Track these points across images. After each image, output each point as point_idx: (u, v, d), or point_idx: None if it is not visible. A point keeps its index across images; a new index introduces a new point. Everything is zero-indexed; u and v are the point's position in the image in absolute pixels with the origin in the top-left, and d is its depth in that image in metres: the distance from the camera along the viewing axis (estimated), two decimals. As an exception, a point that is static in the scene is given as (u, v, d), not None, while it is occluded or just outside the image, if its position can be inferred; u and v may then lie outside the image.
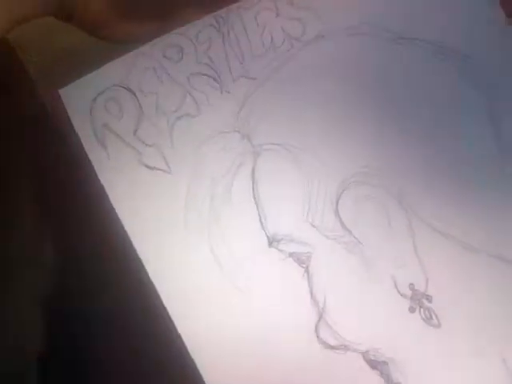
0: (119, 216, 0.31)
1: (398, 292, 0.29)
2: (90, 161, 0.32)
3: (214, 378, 0.29)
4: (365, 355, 0.28)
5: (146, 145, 0.32)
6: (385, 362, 0.28)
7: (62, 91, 0.32)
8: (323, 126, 0.32)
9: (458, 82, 0.32)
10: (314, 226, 0.31)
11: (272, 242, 0.31)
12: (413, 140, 0.32)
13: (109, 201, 0.31)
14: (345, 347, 0.29)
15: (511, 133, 0.31)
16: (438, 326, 0.29)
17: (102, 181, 0.31)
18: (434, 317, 0.29)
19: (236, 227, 0.31)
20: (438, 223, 0.30)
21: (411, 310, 0.29)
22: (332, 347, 0.29)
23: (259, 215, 0.31)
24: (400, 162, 0.32)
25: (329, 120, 0.32)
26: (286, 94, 0.33)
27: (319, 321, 0.29)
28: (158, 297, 0.29)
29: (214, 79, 0.33)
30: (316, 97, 0.33)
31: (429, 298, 0.29)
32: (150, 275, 0.30)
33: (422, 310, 0.29)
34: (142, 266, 0.30)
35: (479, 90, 0.32)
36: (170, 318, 0.29)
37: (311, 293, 0.30)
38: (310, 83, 0.33)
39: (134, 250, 0.31)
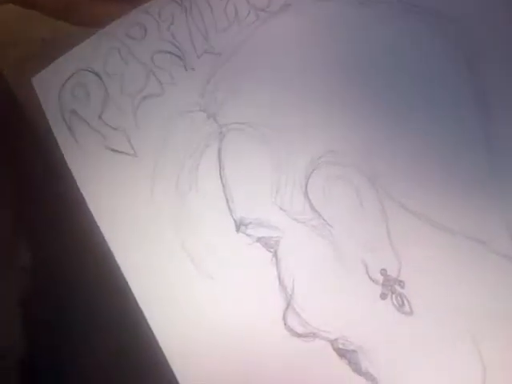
0: (88, 203, 0.30)
1: (369, 277, 0.28)
2: (60, 149, 0.31)
3: (185, 367, 0.28)
4: (333, 343, 0.27)
5: (112, 128, 0.32)
6: (354, 351, 0.27)
7: (34, 79, 0.32)
8: (291, 103, 0.31)
9: (438, 48, 0.30)
10: (282, 209, 0.30)
11: (240, 226, 0.30)
12: (388, 119, 0.30)
13: (78, 190, 0.30)
14: (313, 335, 0.28)
15: (502, 114, 0.28)
16: (411, 313, 0.27)
17: (72, 168, 0.31)
18: (406, 303, 0.28)
19: (203, 211, 0.30)
20: (412, 205, 0.29)
21: (383, 296, 0.28)
22: (299, 335, 0.28)
23: (226, 198, 0.30)
24: (373, 141, 0.30)
25: (297, 96, 0.30)
26: (253, 69, 0.31)
27: (287, 308, 0.28)
28: (125, 282, 0.29)
29: (178, 56, 0.32)
30: (284, 70, 0.31)
31: (401, 284, 0.28)
32: (119, 263, 0.29)
33: (393, 296, 0.28)
34: (113, 257, 0.29)
35: (465, 60, 0.30)
36: (142, 312, 0.28)
37: (279, 278, 0.29)
38: (278, 56, 0.31)
39: (104, 239, 0.30)
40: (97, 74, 0.34)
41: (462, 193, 0.30)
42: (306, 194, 0.31)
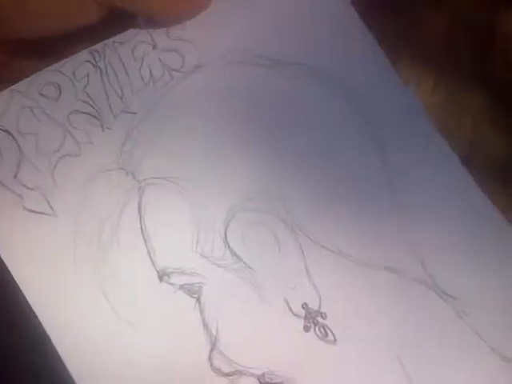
0: (7, 264, 0.39)
1: (292, 312, 0.38)
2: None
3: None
4: (260, 378, 0.36)
5: (28, 188, 0.40)
6: (281, 383, 0.36)
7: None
8: (206, 156, 0.41)
9: (336, 104, 0.43)
10: (203, 256, 0.39)
11: (162, 276, 0.39)
12: (299, 165, 0.41)
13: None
14: (239, 373, 0.36)
15: (394, 154, 0.41)
16: (334, 341, 0.37)
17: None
18: (329, 333, 0.37)
19: (126, 265, 0.39)
20: (328, 243, 0.39)
21: (306, 328, 0.38)
22: (226, 374, 0.36)
23: (148, 251, 0.39)
24: (286, 186, 0.40)
25: (212, 149, 0.42)
26: (168, 126, 0.42)
27: (212, 350, 0.37)
28: (48, 339, 0.37)
29: (94, 116, 0.41)
30: (197, 127, 0.42)
31: (323, 315, 0.38)
32: (40, 319, 0.36)
33: (316, 327, 0.38)
34: (33, 312, 0.37)
35: (358, 112, 0.43)
36: (59, 357, 0.36)
37: (203, 323, 0.38)
38: (191, 113, 0.42)
39: (24, 297, 0.37)
40: (8, 132, 0.40)
41: (371, 227, 0.41)
42: (225, 240, 0.41)
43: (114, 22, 0.40)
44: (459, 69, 0.68)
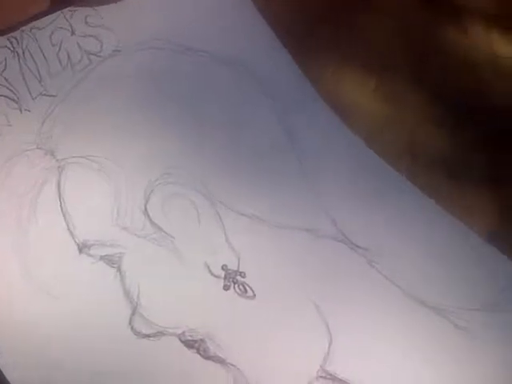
0: None
1: (212, 274, 0.41)
2: None
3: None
4: (181, 337, 0.39)
5: None
6: (202, 340, 0.39)
7: None
8: (124, 135, 0.43)
9: (242, 85, 0.47)
10: (123, 228, 0.42)
11: (82, 248, 0.42)
12: (213, 140, 0.44)
13: None
14: (160, 333, 0.39)
15: (303, 127, 0.45)
16: (253, 297, 0.40)
17: None
18: (248, 289, 0.41)
19: (45, 240, 0.40)
20: (244, 210, 0.41)
21: (225, 287, 0.41)
22: (147, 335, 0.39)
23: (67, 226, 0.41)
24: (202, 160, 0.43)
25: (129, 128, 0.45)
26: (86, 107, 0.45)
27: (133, 314, 0.39)
28: None
29: (13, 99, 0.43)
30: (115, 108, 0.45)
31: (242, 274, 0.41)
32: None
33: (236, 285, 0.41)
34: None
35: (265, 93, 0.47)
36: None
37: (124, 290, 0.40)
38: (108, 95, 0.46)
39: None
40: None
41: (282, 193, 0.43)
42: (145, 212, 0.44)
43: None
44: (399, 72, 0.75)
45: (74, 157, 0.42)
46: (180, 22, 0.47)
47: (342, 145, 0.44)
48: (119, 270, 0.40)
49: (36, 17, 0.44)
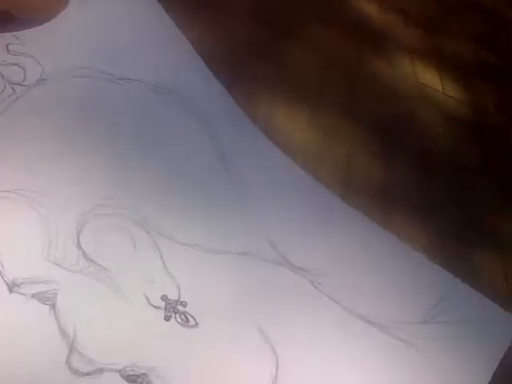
0: None
1: (152, 305, 0.42)
2: None
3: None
4: (121, 372, 0.39)
5: None
6: (144, 374, 0.39)
7: None
8: (52, 165, 0.43)
9: (173, 112, 0.49)
10: (56, 263, 0.42)
11: (12, 287, 0.42)
12: (144, 167, 0.44)
13: None
14: (100, 370, 0.39)
15: (231, 152, 0.47)
16: (196, 325, 0.41)
17: None
18: (190, 319, 0.42)
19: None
20: (179, 236, 0.42)
21: (167, 318, 0.40)
22: (86, 374, 0.38)
23: None
24: (134, 189, 0.43)
25: (57, 158, 0.45)
26: (13, 138, 0.43)
27: (70, 352, 0.39)
28: None
29: None
30: (43, 138, 0.44)
31: (183, 303, 0.42)
32: None
33: (177, 315, 0.42)
34: None
35: (194, 117, 0.49)
36: None
37: (59, 327, 0.40)
38: (35, 125, 0.45)
39: None
40: None
41: (219, 219, 0.44)
42: (78, 245, 0.44)
43: None
44: (331, 102, 0.79)
45: (2, 191, 0.41)
46: (111, 52, 0.48)
47: (279, 172, 0.45)
48: (53, 307, 0.39)
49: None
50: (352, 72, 0.85)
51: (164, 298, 0.39)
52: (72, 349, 0.37)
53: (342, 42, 0.89)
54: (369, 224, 0.45)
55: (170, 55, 0.47)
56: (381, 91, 0.86)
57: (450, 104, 0.94)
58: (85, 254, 0.40)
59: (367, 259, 0.43)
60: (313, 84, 0.75)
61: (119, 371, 0.36)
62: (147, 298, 0.39)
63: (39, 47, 0.44)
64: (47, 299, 0.39)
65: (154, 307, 0.39)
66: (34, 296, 0.39)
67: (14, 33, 0.45)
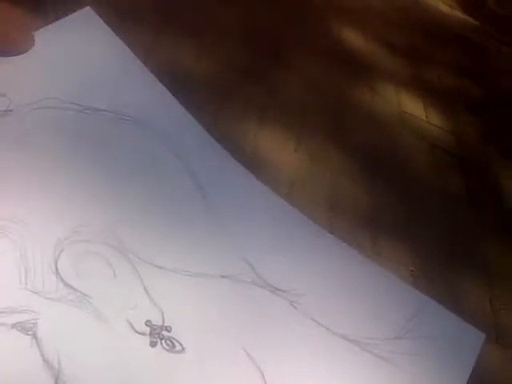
0: None
1: (136, 331, 0.44)
2: None
3: None
4: None
5: None
6: None
7: None
8: (26, 195, 0.43)
9: (142, 139, 0.52)
10: (35, 292, 0.43)
11: None
12: (121, 194, 0.45)
13: None
14: None
15: (207, 181, 0.50)
16: (182, 350, 0.44)
17: None
18: (176, 344, 0.45)
19: None
20: (159, 261, 0.43)
21: (152, 344, 0.43)
22: None
23: None
24: (111, 215, 0.44)
25: (31, 187, 0.44)
26: None
27: (56, 383, 0.43)
28: None
29: None
30: (11, 167, 0.44)
31: (168, 328, 0.44)
32: None
33: (163, 341, 0.45)
34: None
35: (164, 144, 0.52)
36: None
37: (43, 358, 0.41)
38: (3, 156, 0.45)
39: None
40: None
41: (198, 243, 0.45)
42: (56, 273, 0.45)
43: None
44: (318, 129, 0.83)
45: None
46: (77, 84, 0.50)
47: (256, 199, 0.49)
48: (35, 337, 0.39)
49: None
50: (338, 99, 0.90)
51: (148, 323, 0.40)
52: (58, 379, 0.38)
53: (329, 70, 0.95)
54: (348, 248, 0.49)
55: (135, 87, 0.50)
56: (365, 119, 0.91)
57: (434, 132, 0.99)
58: (64, 282, 0.41)
59: (343, 280, 0.47)
60: (299, 110, 0.79)
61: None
62: (131, 325, 0.40)
63: (6, 79, 0.46)
64: (28, 329, 0.40)
65: (139, 333, 0.40)
66: (13, 326, 0.39)
67: None
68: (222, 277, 0.44)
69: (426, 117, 1.00)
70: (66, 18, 0.53)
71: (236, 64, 0.74)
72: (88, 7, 0.54)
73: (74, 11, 0.53)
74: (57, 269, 0.42)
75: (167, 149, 0.49)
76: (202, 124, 0.50)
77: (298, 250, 0.47)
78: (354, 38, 1.08)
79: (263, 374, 0.40)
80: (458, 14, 1.45)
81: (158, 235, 0.45)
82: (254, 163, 0.49)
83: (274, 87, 0.74)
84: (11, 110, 0.47)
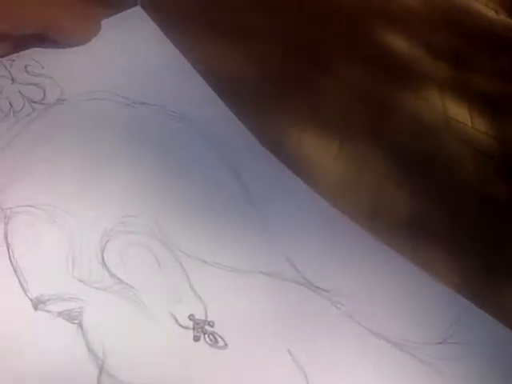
0: None
1: (180, 325, 0.44)
2: None
3: None
4: None
5: None
6: None
7: None
8: (75, 183, 0.43)
9: (187, 136, 0.52)
10: (81, 280, 0.44)
11: (37, 304, 0.41)
12: (166, 186, 0.46)
13: None
14: None
15: (252, 183, 0.49)
16: (226, 346, 0.44)
17: None
18: (219, 339, 0.46)
19: (-4, 297, 0.36)
20: (202, 255, 0.44)
21: (196, 338, 0.43)
22: None
23: (19, 280, 0.40)
24: (157, 207, 0.44)
25: (80, 176, 0.44)
26: (31, 155, 0.43)
27: (100, 373, 0.40)
28: None
29: None
30: (61, 156, 0.44)
31: (211, 323, 0.44)
32: None
33: (206, 336, 0.45)
34: None
35: (209, 143, 0.52)
36: None
37: (88, 347, 0.42)
38: (55, 142, 0.44)
39: None
40: None
41: (240, 238, 0.46)
42: (103, 263, 0.46)
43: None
44: (360, 134, 0.84)
45: (20, 206, 0.43)
46: (128, 78, 0.52)
47: (302, 201, 0.50)
48: (81, 326, 0.40)
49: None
50: (381, 105, 0.90)
51: (192, 317, 0.41)
52: (102, 370, 0.39)
53: (371, 75, 0.95)
54: (391, 252, 0.48)
55: (181, 85, 0.52)
56: (410, 124, 0.91)
57: (479, 138, 0.99)
58: (110, 272, 0.42)
59: (386, 283, 0.47)
60: (342, 115, 0.80)
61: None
62: (175, 318, 0.41)
63: (58, 69, 0.47)
64: (74, 317, 0.40)
65: (183, 327, 0.41)
66: (60, 314, 0.40)
67: (32, 55, 0.48)
68: (265, 274, 0.44)
69: (472, 122, 0.99)
70: (118, 15, 0.55)
71: (278, 69, 0.74)
72: (138, 6, 0.56)
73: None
74: (103, 258, 0.43)
75: (212, 147, 0.50)
76: (246, 125, 0.50)
77: (342, 252, 0.48)
78: (396, 42, 1.07)
79: (306, 376, 0.41)
80: (504, 18, 1.44)
81: (202, 230, 0.46)
82: (295, 169, 0.50)
83: (317, 92, 0.75)
84: (64, 99, 0.49)
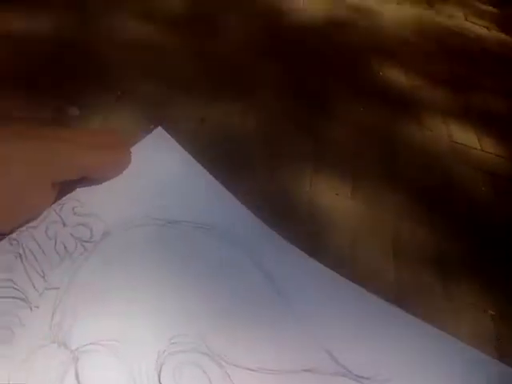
0: None
1: None
2: None
3: None
4: None
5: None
6: None
7: None
8: (127, 314, 0.48)
9: (217, 245, 0.57)
10: None
11: None
12: (209, 303, 0.51)
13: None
14: None
15: (279, 277, 0.54)
16: None
17: None
18: None
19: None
20: (249, 362, 0.47)
21: None
22: None
23: None
24: (203, 324, 0.49)
25: (131, 306, 0.49)
26: (88, 292, 0.48)
27: None
28: None
29: (21, 299, 0.49)
30: (115, 289, 0.49)
31: None
32: None
33: None
34: None
35: (240, 248, 0.58)
36: None
37: None
38: (107, 277, 0.50)
39: None
40: None
41: (280, 340, 0.50)
42: None
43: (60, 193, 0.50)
44: (371, 173, 0.90)
45: (85, 345, 0.48)
46: (156, 198, 0.57)
47: (328, 285, 0.51)
48: None
49: (32, 217, 0.51)
50: (387, 140, 0.95)
51: None
52: None
53: (374, 111, 1.00)
54: (426, 327, 0.48)
55: (207, 198, 0.56)
56: (417, 156, 0.96)
57: (490, 161, 1.04)
58: None
59: (426, 360, 0.47)
60: (350, 156, 0.86)
61: None
62: None
63: (99, 205, 0.52)
64: None
65: None
66: None
67: (76, 196, 0.52)
68: (305, 371, 0.47)
69: (480, 145, 1.04)
70: (143, 140, 0.58)
71: (285, 117, 0.81)
72: (160, 127, 0.58)
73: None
74: (160, 381, 0.47)
75: (242, 253, 0.53)
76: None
77: (376, 333, 0.48)
78: (395, 75, 1.13)
79: None
80: (496, 33, 1.48)
81: (243, 337, 0.49)
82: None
83: (324, 134, 0.81)
84: (108, 232, 0.54)
